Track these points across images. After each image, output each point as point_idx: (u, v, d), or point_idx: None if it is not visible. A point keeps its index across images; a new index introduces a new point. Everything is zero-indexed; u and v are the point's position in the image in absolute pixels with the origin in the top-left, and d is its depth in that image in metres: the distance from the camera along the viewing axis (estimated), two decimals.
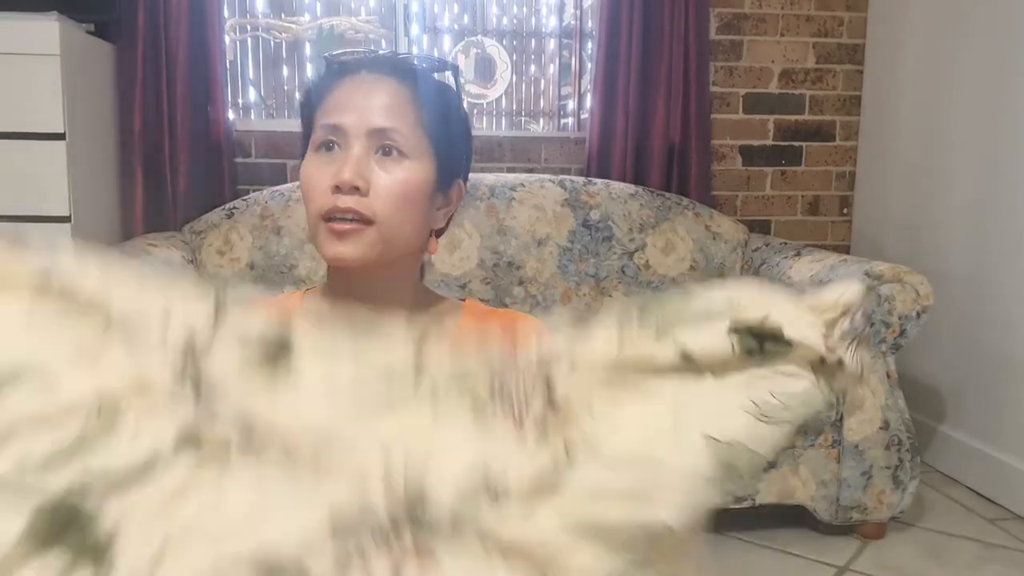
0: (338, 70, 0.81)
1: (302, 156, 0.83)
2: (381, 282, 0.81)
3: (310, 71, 2.83)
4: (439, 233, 0.88)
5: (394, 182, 0.76)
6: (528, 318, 0.89)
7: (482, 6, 2.80)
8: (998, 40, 2.26)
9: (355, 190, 0.75)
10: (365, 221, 0.76)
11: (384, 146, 0.77)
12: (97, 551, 0.49)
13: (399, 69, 0.80)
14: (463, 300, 0.92)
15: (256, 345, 0.56)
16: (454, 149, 0.85)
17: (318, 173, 0.77)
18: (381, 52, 0.83)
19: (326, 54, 0.86)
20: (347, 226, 0.75)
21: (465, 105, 0.92)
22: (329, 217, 0.76)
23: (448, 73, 0.87)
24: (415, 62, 0.82)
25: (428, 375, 0.57)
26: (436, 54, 2.79)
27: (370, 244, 0.76)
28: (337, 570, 0.50)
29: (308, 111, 0.83)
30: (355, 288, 0.81)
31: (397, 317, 0.60)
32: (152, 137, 2.45)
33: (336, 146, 0.77)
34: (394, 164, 0.77)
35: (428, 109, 0.80)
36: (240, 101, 2.75)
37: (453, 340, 0.67)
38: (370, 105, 0.77)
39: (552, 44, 2.86)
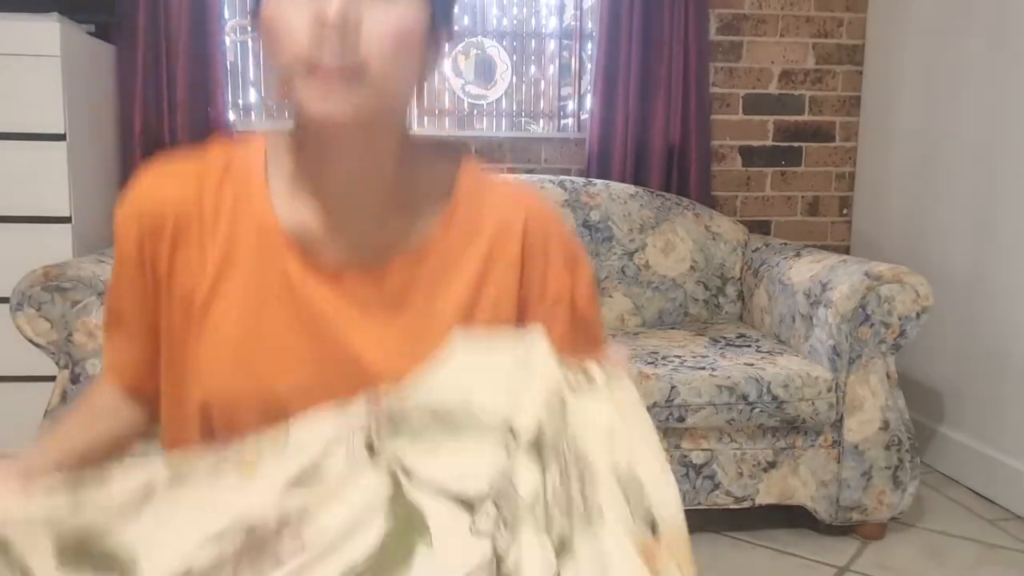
0: None
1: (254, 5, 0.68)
2: (362, 142, 0.70)
3: None
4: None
5: (387, 21, 0.64)
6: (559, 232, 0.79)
7: (482, 7, 2.80)
8: (998, 40, 2.26)
9: (343, 34, 0.62)
10: (355, 70, 0.63)
11: None
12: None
13: None
14: (459, 161, 0.79)
15: None
16: None
17: (291, 12, 0.63)
18: None
19: None
20: (335, 74, 0.63)
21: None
22: (311, 67, 0.63)
23: None
24: None
25: None
26: None
27: (364, 98, 0.64)
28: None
29: None
30: (330, 149, 0.70)
31: None
32: (152, 138, 2.45)
33: None
34: (386, 2, 0.65)
35: None
36: (240, 102, 2.75)
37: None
38: None
39: (552, 45, 2.86)
